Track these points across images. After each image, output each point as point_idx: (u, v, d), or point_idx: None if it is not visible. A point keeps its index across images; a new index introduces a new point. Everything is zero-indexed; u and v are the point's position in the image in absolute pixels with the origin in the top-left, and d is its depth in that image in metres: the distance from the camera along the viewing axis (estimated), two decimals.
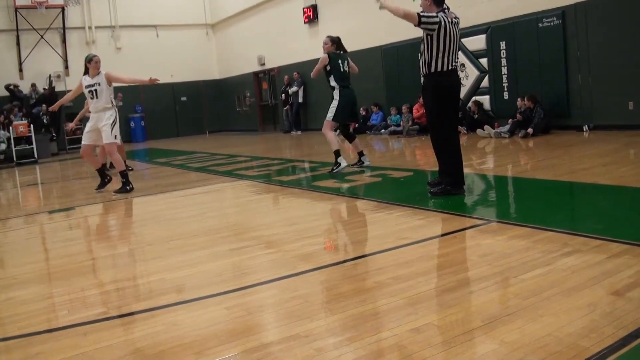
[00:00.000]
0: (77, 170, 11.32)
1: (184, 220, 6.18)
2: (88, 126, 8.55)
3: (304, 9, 18.88)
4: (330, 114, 8.33)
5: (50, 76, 21.36)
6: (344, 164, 8.30)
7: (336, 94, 8.32)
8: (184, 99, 24.34)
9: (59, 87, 21.13)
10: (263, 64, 21.92)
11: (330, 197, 6.72)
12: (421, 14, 5.60)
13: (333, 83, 8.34)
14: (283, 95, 20.19)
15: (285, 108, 20.14)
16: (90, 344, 2.99)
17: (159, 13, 23.55)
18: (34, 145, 17.95)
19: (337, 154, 8.31)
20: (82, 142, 8.64)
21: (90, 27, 22.71)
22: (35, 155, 17.87)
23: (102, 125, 8.29)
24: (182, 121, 24.27)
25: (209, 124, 24.69)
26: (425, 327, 2.72)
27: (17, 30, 21.11)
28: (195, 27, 24.63)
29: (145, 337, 2.99)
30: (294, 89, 19.51)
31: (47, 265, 5.07)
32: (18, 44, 21.25)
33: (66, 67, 22.04)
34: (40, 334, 3.26)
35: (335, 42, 8.48)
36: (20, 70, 21.35)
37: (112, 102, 8.46)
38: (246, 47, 22.46)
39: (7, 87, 20.19)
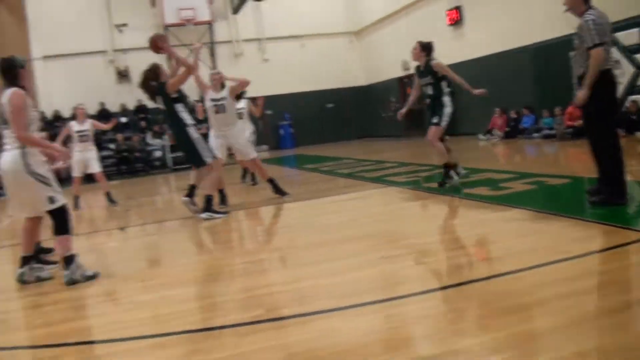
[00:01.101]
0: (234, 175, 11.87)
1: (335, 226, 6.27)
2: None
3: (447, 11, 18.57)
4: (444, 121, 7.89)
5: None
6: (456, 178, 7.81)
7: (447, 100, 7.94)
8: (330, 105, 24.82)
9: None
10: (407, 69, 21.81)
11: (483, 205, 6.51)
12: (596, 41, 5.18)
13: (446, 89, 7.98)
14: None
15: None
16: (247, 344, 3.12)
17: (304, 24, 24.18)
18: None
19: (450, 166, 7.87)
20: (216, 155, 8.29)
21: (237, 41, 23.85)
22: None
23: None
24: (328, 127, 24.75)
25: (355, 130, 24.98)
26: (591, 352, 2.57)
27: None
28: (339, 35, 25.07)
29: (301, 342, 3.06)
30: None
31: (203, 266, 5.36)
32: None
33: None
34: (198, 332, 3.46)
35: (427, 49, 7.97)
36: None
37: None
38: (390, 53, 22.48)
39: None
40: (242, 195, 9.93)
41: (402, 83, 22.71)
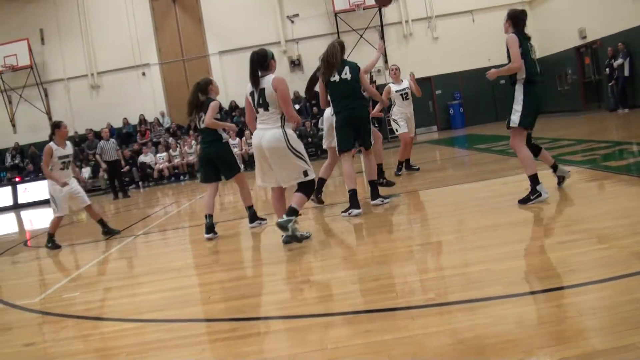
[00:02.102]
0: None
1: (506, 209, 6.10)
2: None
3: None
4: (516, 117, 6.50)
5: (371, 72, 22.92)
6: (544, 194, 6.08)
7: (519, 91, 6.59)
8: (502, 82, 23.90)
9: (379, 81, 22.58)
10: (584, 37, 20.44)
11: None
12: None
13: (522, 75, 6.50)
14: (607, 69, 18.56)
15: (610, 84, 18.46)
16: (417, 327, 3.20)
17: None
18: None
19: (536, 179, 6.15)
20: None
21: (407, 21, 23.73)
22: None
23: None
24: (500, 105, 23.86)
25: None
26: None
27: (338, 32, 23.14)
28: (511, 6, 23.89)
29: (471, 327, 3.07)
30: (619, 61, 17.78)
31: (374, 248, 5.49)
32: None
33: (385, 62, 23.35)
34: (369, 313, 3.58)
35: (517, 19, 6.44)
36: None
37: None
38: (565, 21, 21.15)
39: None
40: (409, 176, 9.97)
41: (579, 53, 21.32)
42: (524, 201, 6.07)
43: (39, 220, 14.83)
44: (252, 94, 5.69)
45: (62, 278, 6.24)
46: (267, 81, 5.59)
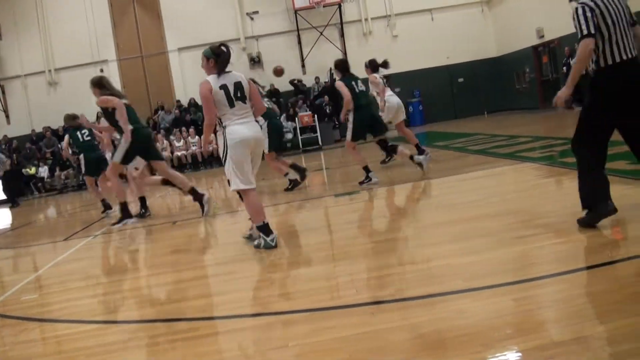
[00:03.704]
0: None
1: (465, 205, 6.17)
2: None
3: None
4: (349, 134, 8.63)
5: (330, 69, 22.92)
6: (374, 179, 8.46)
7: (350, 114, 8.57)
8: (460, 80, 24.23)
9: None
10: (542, 37, 20.81)
11: (623, 181, 6.09)
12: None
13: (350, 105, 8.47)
14: (564, 68, 18.92)
15: None
16: (377, 323, 3.21)
17: None
18: (318, 134, 19.99)
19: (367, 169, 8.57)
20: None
21: (366, 19, 23.82)
22: (320, 143, 19.69)
23: None
24: (459, 103, 24.19)
25: (487, 104, 24.18)
26: None
27: (298, 30, 23.17)
28: (470, 6, 24.26)
29: (430, 322, 3.10)
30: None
31: (331, 246, 5.50)
32: (299, 42, 23.27)
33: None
34: (328, 310, 3.58)
35: (342, 67, 8.86)
36: (303, 66, 23.38)
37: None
38: (524, 20, 21.45)
39: (291, 82, 22.34)
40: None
41: (537, 52, 21.71)
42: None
43: None
44: (223, 87, 5.48)
45: (21, 280, 6.09)
46: (238, 76, 5.54)
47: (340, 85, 8.51)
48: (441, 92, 23.90)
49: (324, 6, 22.51)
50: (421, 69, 23.53)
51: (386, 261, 4.63)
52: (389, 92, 10.52)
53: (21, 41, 23.56)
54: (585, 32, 4.15)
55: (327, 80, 22.52)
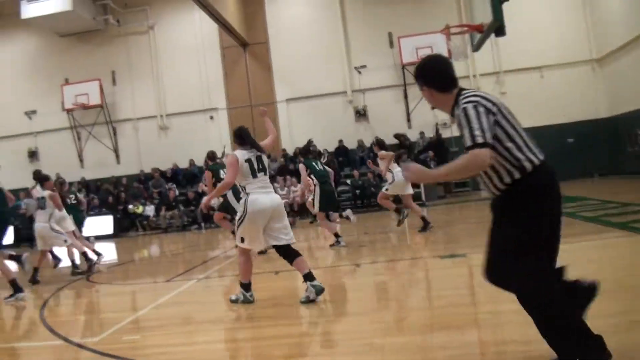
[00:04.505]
0: (464, 214, 11.71)
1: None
2: None
3: None
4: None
5: (437, 124, 22.94)
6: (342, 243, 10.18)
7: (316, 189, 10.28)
8: (570, 140, 23.40)
9: (445, 134, 22.57)
10: None
11: None
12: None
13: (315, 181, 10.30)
14: None
15: None
16: None
17: (543, 54, 23.26)
18: (422, 189, 19.63)
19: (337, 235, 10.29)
20: None
21: (474, 76, 23.65)
22: (423, 198, 19.35)
23: None
24: (568, 164, 23.27)
25: (596, 166, 23.16)
26: None
27: (405, 84, 23.40)
28: (580, 64, 23.61)
29: None
30: None
31: (438, 313, 5.33)
32: (405, 97, 23.49)
33: (452, 115, 23.19)
34: None
35: (306, 151, 10.93)
36: (408, 120, 23.58)
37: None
38: (636, 80, 20.54)
39: (395, 136, 22.35)
40: (473, 235, 9.74)
41: None
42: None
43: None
44: (248, 160, 6.25)
45: (123, 319, 6.30)
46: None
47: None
48: (550, 152, 22.90)
49: None
50: (530, 127, 22.89)
51: (487, 336, 4.44)
52: (397, 168, 11.71)
53: (135, 87, 25.17)
54: None
55: (432, 135, 22.49)
